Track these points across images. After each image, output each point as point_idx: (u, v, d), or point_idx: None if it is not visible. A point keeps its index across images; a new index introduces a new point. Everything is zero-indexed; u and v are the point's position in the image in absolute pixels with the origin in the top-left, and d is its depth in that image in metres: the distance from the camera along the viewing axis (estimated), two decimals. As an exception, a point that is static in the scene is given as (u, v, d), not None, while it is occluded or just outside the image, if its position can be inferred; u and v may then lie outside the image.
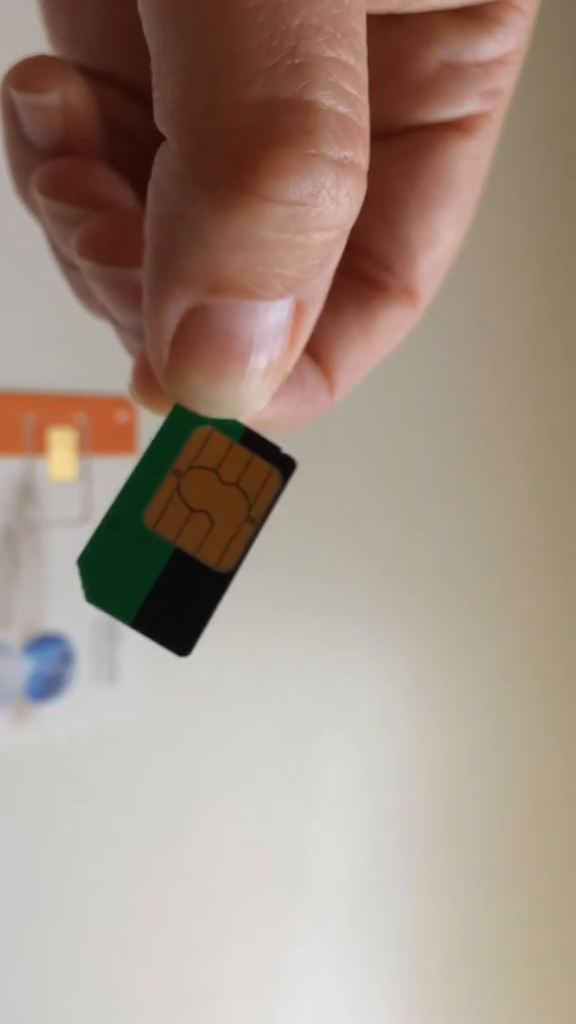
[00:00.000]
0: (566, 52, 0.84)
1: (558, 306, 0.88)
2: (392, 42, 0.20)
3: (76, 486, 0.59)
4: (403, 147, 0.21)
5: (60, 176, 0.20)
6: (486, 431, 0.85)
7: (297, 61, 0.14)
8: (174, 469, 0.19)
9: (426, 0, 0.19)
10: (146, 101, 0.21)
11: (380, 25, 0.20)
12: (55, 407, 0.58)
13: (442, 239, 0.21)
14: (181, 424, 0.19)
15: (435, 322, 0.80)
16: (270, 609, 0.71)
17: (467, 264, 0.78)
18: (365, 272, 0.22)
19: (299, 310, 0.16)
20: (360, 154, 0.15)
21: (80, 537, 0.59)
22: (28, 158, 0.21)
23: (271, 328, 0.16)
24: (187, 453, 0.19)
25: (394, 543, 0.79)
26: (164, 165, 0.15)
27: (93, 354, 0.60)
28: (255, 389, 0.17)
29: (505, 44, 0.20)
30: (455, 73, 0.20)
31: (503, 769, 0.88)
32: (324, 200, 0.14)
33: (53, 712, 0.59)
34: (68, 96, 0.19)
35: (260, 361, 0.17)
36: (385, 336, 0.22)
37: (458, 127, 0.21)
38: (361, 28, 0.15)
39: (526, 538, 0.88)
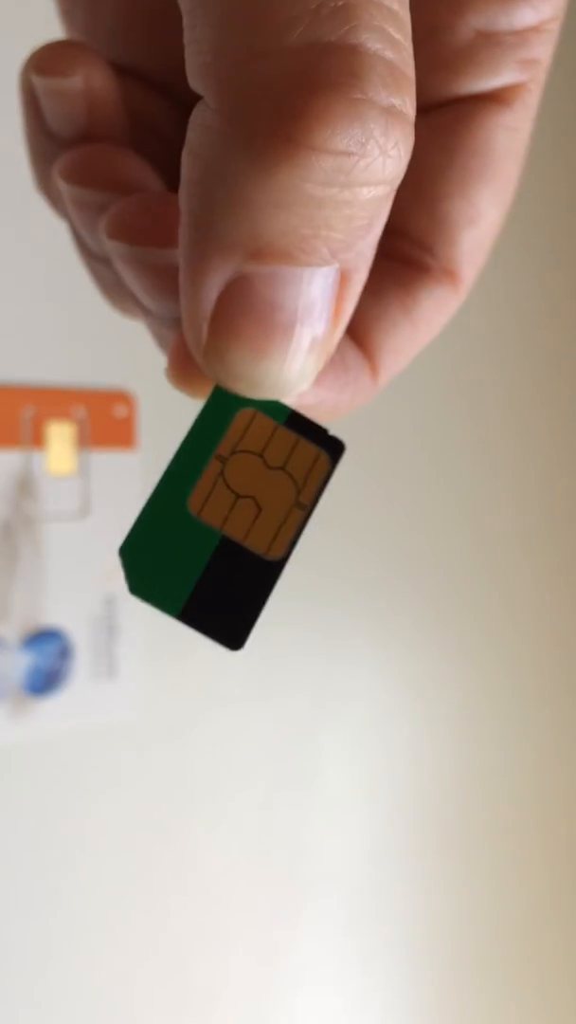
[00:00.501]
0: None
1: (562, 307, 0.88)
2: (426, 10, 0.19)
3: (74, 480, 0.58)
4: (439, 121, 0.20)
5: (85, 162, 0.19)
6: (487, 422, 0.85)
7: (340, 3, 0.13)
8: (217, 454, 0.18)
9: None
10: (168, 94, 0.21)
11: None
12: (53, 400, 0.57)
13: (483, 215, 0.20)
14: (222, 407, 0.18)
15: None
16: (270, 605, 0.71)
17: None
18: (405, 253, 0.21)
19: (344, 279, 0.15)
20: (408, 103, 0.14)
21: (78, 531, 0.59)
22: (49, 147, 0.20)
23: (316, 299, 0.15)
24: (230, 437, 0.18)
25: (395, 536, 0.79)
26: (200, 124, 0.14)
27: (93, 348, 0.60)
28: (299, 367, 0.16)
29: (542, 11, 0.19)
30: (490, 42, 0.19)
31: (507, 766, 0.88)
32: (372, 151, 0.13)
33: (51, 707, 0.58)
34: (91, 80, 0.18)
35: (304, 335, 0.16)
36: (428, 319, 0.21)
37: (495, 98, 0.20)
38: None
39: (530, 530, 0.88)
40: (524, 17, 0.19)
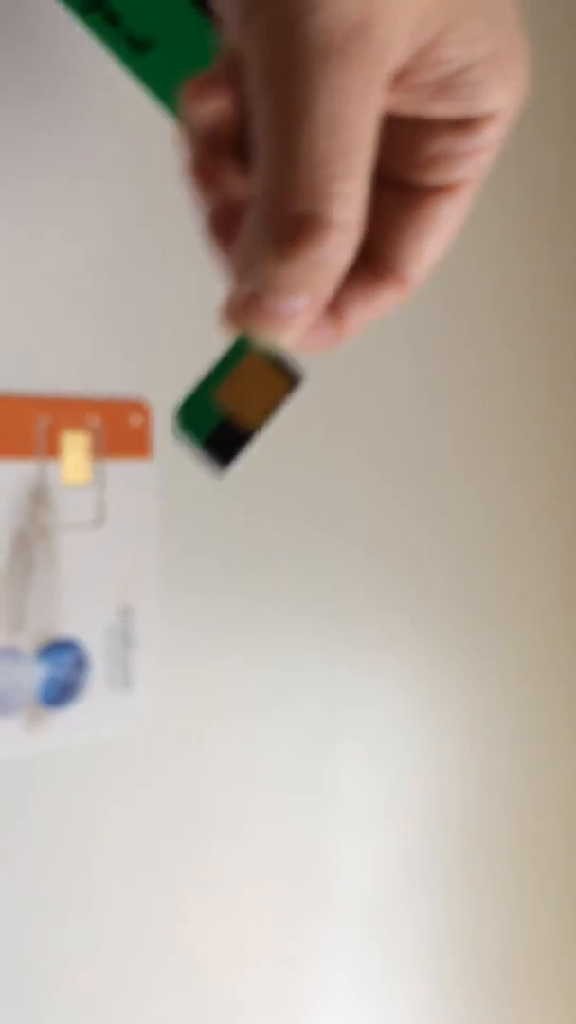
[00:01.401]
0: None
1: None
2: (408, 134, 0.32)
3: (89, 490, 0.58)
4: (410, 197, 0.33)
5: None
6: (505, 426, 0.84)
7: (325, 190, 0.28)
8: (233, 371, 0.36)
9: (433, 111, 0.30)
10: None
11: (400, 123, 0.31)
12: (68, 410, 0.57)
13: (427, 255, 0.33)
14: (241, 346, 0.36)
15: (459, 327, 0.79)
16: (285, 614, 0.70)
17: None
18: (375, 267, 0.34)
19: (314, 301, 0.30)
20: (344, 236, 0.29)
21: (94, 540, 0.58)
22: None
23: (299, 309, 0.30)
24: (242, 364, 0.36)
25: (411, 544, 0.78)
26: (253, 199, 0.29)
27: (107, 357, 0.60)
28: (289, 336, 0.31)
29: (488, 139, 0.31)
30: (448, 158, 0.32)
31: (530, 777, 0.87)
32: (325, 265, 0.29)
33: (67, 718, 0.58)
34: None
35: (294, 323, 0.30)
36: (382, 308, 0.35)
37: (447, 190, 0.32)
38: (362, 161, 0.28)
39: (549, 538, 0.87)
40: (475, 143, 0.31)
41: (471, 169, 0.32)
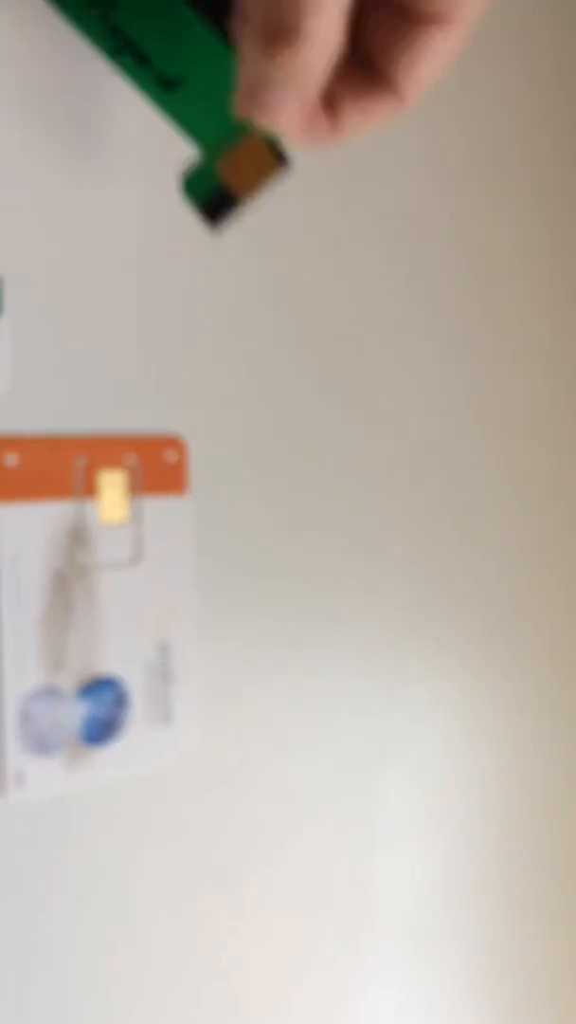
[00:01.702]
0: None
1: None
2: None
3: (127, 527, 0.58)
4: (406, 20, 0.37)
5: None
6: (556, 442, 0.84)
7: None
8: (234, 149, 0.46)
9: None
10: None
11: None
12: (104, 449, 0.57)
13: (420, 76, 0.37)
14: (244, 129, 0.44)
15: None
16: (324, 644, 0.70)
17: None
18: (373, 77, 0.38)
19: (297, 96, 0.36)
20: (318, 47, 0.34)
21: (131, 578, 0.59)
22: None
23: (285, 102, 0.36)
24: (242, 143, 0.45)
25: (454, 567, 0.78)
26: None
27: (141, 395, 0.60)
28: (281, 123, 0.37)
29: None
30: None
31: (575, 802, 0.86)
32: (301, 69, 0.35)
33: (109, 755, 0.58)
34: None
35: (282, 113, 0.36)
36: (379, 116, 0.40)
37: (439, 20, 0.36)
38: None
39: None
40: None
41: (461, 4, 0.35)
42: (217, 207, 0.48)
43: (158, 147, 0.59)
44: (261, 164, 0.46)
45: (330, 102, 0.40)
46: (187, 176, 0.48)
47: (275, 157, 0.46)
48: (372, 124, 0.40)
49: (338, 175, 0.69)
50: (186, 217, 0.61)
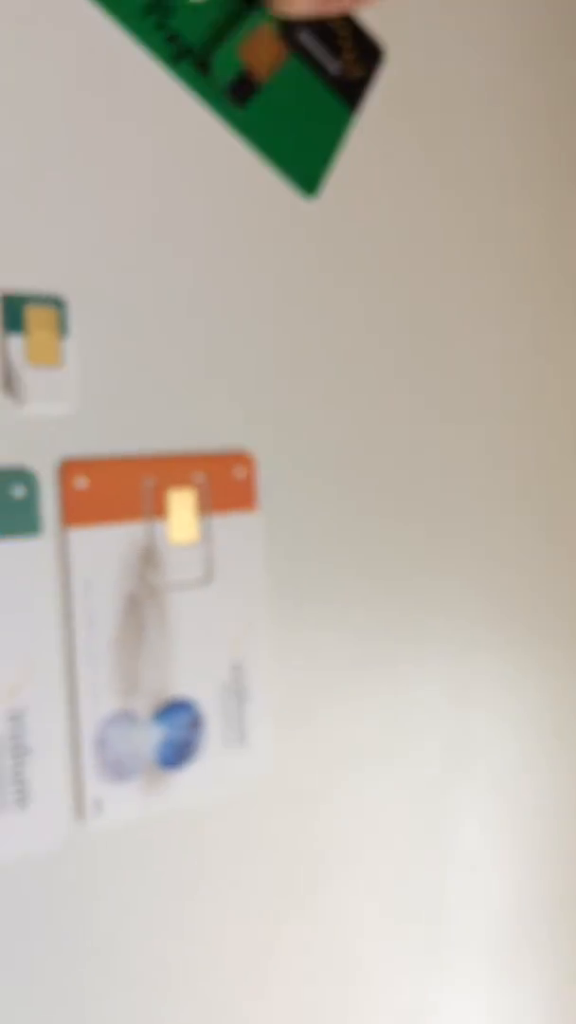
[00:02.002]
0: None
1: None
2: None
3: (197, 546, 0.57)
4: None
5: None
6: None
7: None
8: (254, 35, 0.55)
9: None
10: None
11: None
12: (173, 468, 0.56)
13: None
14: (264, 17, 0.54)
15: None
16: (398, 659, 0.69)
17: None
18: None
19: None
20: None
21: (203, 597, 0.57)
22: None
23: None
24: (260, 30, 0.54)
25: (530, 578, 0.76)
26: None
27: (207, 412, 0.59)
28: (296, 8, 0.47)
29: None
30: None
31: None
32: None
33: (185, 778, 0.57)
34: None
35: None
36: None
37: None
38: None
39: None
40: None
41: None
42: (239, 88, 0.55)
43: (219, 164, 0.58)
44: (275, 49, 0.56)
45: None
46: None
47: (288, 43, 0.56)
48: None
49: (403, 207, 0.67)
50: (252, 235, 0.59)
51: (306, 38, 0.59)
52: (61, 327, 0.52)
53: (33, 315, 0.51)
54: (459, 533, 0.72)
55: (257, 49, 0.56)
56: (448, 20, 0.70)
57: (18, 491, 0.51)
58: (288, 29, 0.58)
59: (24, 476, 0.51)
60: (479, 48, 0.72)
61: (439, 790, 0.71)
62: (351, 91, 0.63)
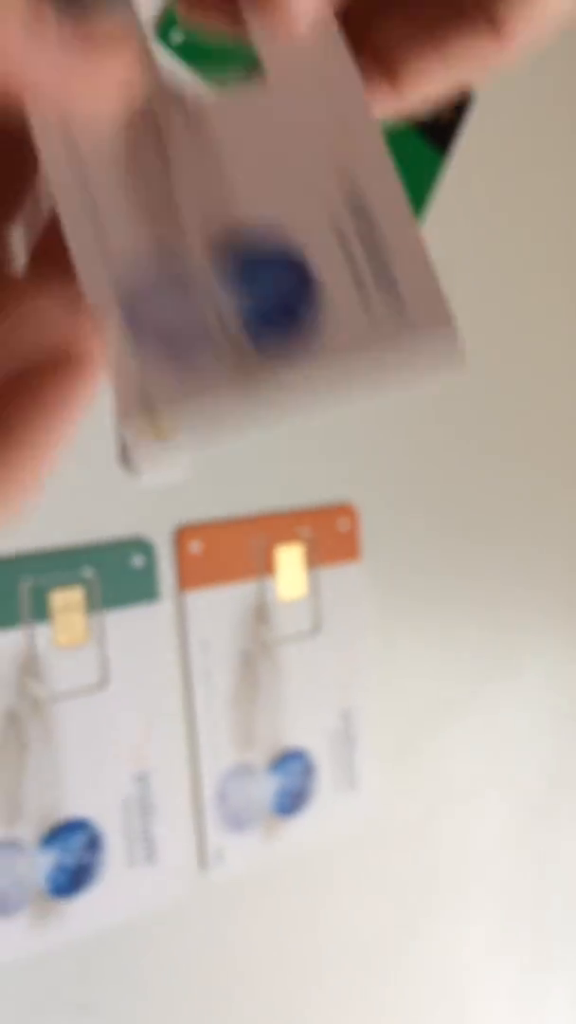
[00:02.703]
0: None
1: None
2: None
3: (305, 600, 0.59)
4: None
5: None
6: None
7: None
8: None
9: None
10: None
11: None
12: (280, 525, 0.58)
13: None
14: None
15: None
16: (501, 695, 0.69)
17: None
18: (456, 4, 0.23)
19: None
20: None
21: (311, 648, 0.59)
22: None
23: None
24: None
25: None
26: None
27: (310, 468, 0.60)
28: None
29: None
30: None
31: None
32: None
33: (300, 825, 0.59)
34: None
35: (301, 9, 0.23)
36: (459, 58, 0.23)
37: None
38: None
39: None
40: None
41: None
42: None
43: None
44: None
45: (385, 59, 0.25)
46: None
47: None
48: (456, 76, 0.25)
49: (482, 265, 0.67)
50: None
51: None
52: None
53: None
54: (565, 575, 0.72)
55: None
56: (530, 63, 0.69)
57: (137, 560, 0.53)
58: None
59: (142, 546, 0.53)
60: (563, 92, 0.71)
61: (541, 817, 0.72)
62: (442, 135, 0.63)
